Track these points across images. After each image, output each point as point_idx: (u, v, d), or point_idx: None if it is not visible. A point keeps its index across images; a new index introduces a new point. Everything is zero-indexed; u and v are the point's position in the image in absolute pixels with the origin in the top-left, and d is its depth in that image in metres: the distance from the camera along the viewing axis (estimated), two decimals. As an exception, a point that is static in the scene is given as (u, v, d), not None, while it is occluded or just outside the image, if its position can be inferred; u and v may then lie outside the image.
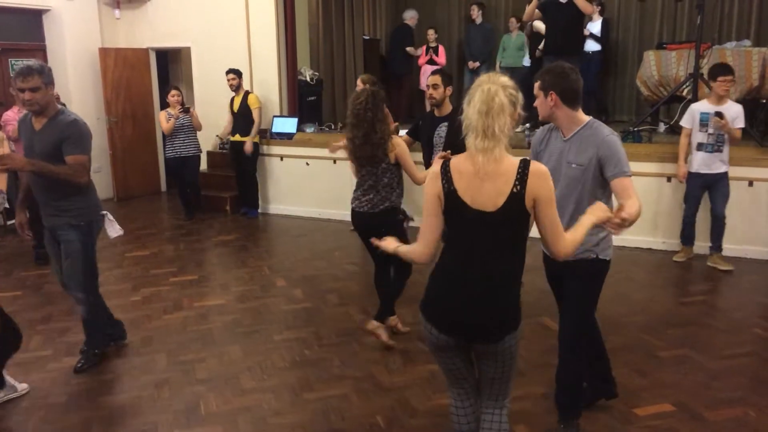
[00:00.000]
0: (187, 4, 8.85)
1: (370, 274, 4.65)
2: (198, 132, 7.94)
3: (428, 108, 5.15)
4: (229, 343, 4.43)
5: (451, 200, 2.26)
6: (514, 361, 2.42)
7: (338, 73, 10.20)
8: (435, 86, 4.68)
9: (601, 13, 8.89)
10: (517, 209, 2.20)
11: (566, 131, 2.93)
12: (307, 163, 7.98)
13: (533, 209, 2.22)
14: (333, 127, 9.09)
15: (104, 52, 8.90)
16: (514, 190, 2.18)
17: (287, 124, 8.29)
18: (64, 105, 6.56)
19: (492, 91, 2.17)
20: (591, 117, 2.94)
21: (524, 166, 2.20)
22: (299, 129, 8.27)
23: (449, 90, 4.73)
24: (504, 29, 10.69)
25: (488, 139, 2.16)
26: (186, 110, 7.70)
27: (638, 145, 6.90)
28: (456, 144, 4.18)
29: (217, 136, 8.60)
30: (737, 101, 6.10)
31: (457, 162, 2.27)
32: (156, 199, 9.33)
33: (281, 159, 8.18)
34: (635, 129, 7.22)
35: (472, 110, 2.19)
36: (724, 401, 3.57)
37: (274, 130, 8.32)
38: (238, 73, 7.84)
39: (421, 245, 2.42)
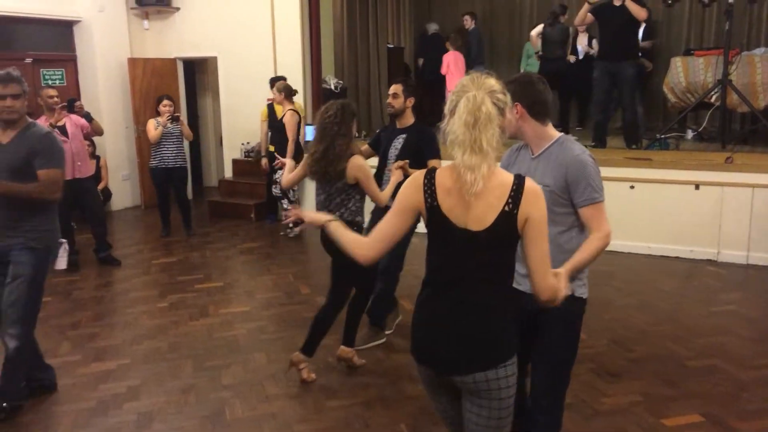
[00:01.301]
0: (214, 14, 8.98)
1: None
2: (188, 141, 7.72)
3: None
4: (253, 350, 4.46)
5: (434, 216, 2.03)
6: (504, 412, 2.10)
7: (362, 81, 10.26)
8: (395, 95, 4.36)
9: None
10: (507, 230, 1.98)
11: (535, 148, 2.59)
12: None
13: (522, 233, 2.00)
14: (357, 134, 9.12)
15: (133, 62, 9.07)
16: (506, 208, 1.97)
17: (309, 132, 8.34)
18: (88, 113, 6.71)
19: (478, 99, 1.94)
20: (562, 133, 2.61)
21: (519, 182, 1.99)
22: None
23: (410, 101, 4.40)
24: (527, 36, 10.65)
25: (476, 155, 1.93)
26: (175, 119, 7.34)
27: (665, 152, 6.85)
28: (410, 159, 4.00)
29: (250, 152, 8.61)
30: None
31: (442, 174, 2.04)
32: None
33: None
34: (662, 136, 7.16)
35: (457, 122, 1.96)
36: (755, 412, 3.51)
37: (309, 137, 8.37)
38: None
39: (367, 239, 2.18)
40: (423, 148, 4.29)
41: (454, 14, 12.15)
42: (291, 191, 7.62)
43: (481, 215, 1.98)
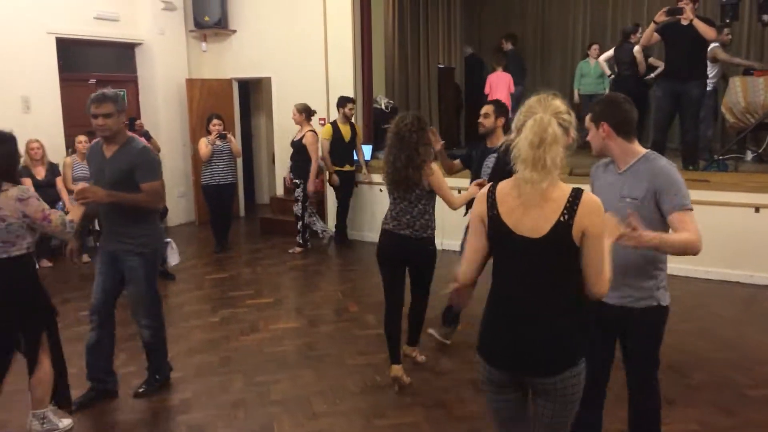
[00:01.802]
0: (269, 36, 9.18)
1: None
2: (240, 160, 7.91)
3: None
4: (302, 367, 4.50)
5: (495, 224, 2.19)
6: (571, 408, 2.25)
7: (413, 101, 10.32)
8: (486, 115, 4.55)
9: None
10: (563, 239, 2.09)
11: (621, 164, 2.75)
12: (381, 190, 8.05)
13: (581, 244, 2.11)
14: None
15: (191, 82, 9.35)
16: (562, 218, 2.09)
17: (366, 151, 8.41)
18: (147, 131, 6.95)
19: (545, 121, 2.08)
20: (649, 149, 2.77)
21: (576, 195, 2.11)
22: (373, 156, 8.39)
23: (501, 121, 4.58)
24: (582, 55, 10.60)
25: (538, 172, 2.06)
26: (223, 136, 7.59)
27: (724, 174, 6.66)
28: (502, 176, 4.12)
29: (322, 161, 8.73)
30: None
31: (503, 186, 2.22)
32: (234, 223, 9.59)
33: (356, 186, 8.29)
34: (721, 157, 6.97)
35: (523, 141, 2.10)
36: (821, 446, 3.36)
37: (367, 157, 8.46)
38: (354, 102, 7.78)
39: (463, 264, 2.36)
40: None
41: (506, 32, 12.17)
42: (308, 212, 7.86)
43: (538, 224, 2.11)
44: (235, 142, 7.83)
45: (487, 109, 4.60)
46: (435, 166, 4.00)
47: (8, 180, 3.30)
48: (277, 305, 5.86)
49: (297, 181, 7.73)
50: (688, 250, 2.57)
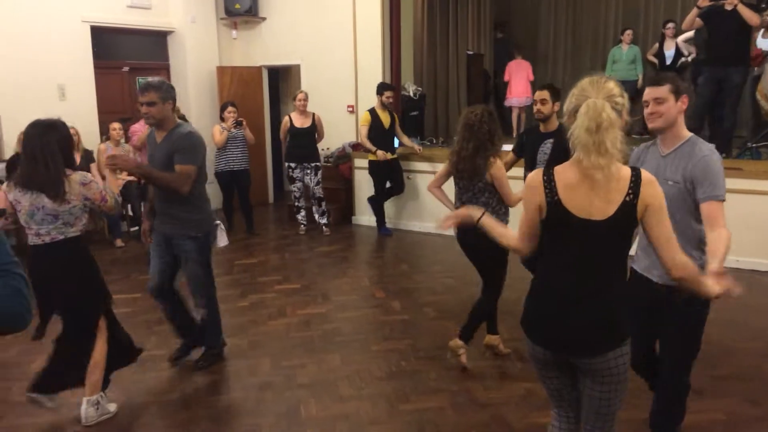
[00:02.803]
0: (298, 23, 9.23)
1: (468, 289, 4.66)
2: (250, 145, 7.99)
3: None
4: (329, 351, 4.57)
5: (555, 211, 2.20)
6: (620, 389, 2.29)
7: (441, 88, 10.29)
8: (543, 101, 4.51)
9: None
10: (627, 218, 2.14)
11: (668, 145, 2.81)
12: (408, 177, 8.08)
13: (643, 220, 2.15)
14: (434, 141, 9.18)
15: (221, 70, 9.45)
16: (627, 198, 2.12)
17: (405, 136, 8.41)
18: (183, 115, 7.07)
19: (599, 106, 2.08)
20: (692, 134, 2.81)
21: (637, 174, 2.15)
22: (401, 144, 8.40)
23: (557, 106, 4.55)
24: (614, 42, 10.46)
25: (602, 156, 2.08)
26: (239, 123, 7.71)
27: (757, 162, 6.54)
28: (561, 161, 4.13)
29: (330, 157, 8.78)
30: None
31: (562, 171, 2.22)
32: (264, 210, 9.73)
33: (407, 176, 8.28)
34: (754, 145, 6.84)
35: (579, 128, 2.11)
36: None
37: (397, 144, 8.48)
38: (396, 91, 7.76)
39: (516, 233, 2.40)
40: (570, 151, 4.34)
41: (535, 20, 12.07)
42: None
43: (603, 206, 2.13)
44: (249, 130, 7.92)
45: (543, 94, 4.54)
46: (499, 161, 4.01)
47: (68, 164, 3.46)
48: (305, 291, 5.94)
49: (315, 164, 7.82)
50: (729, 249, 2.57)
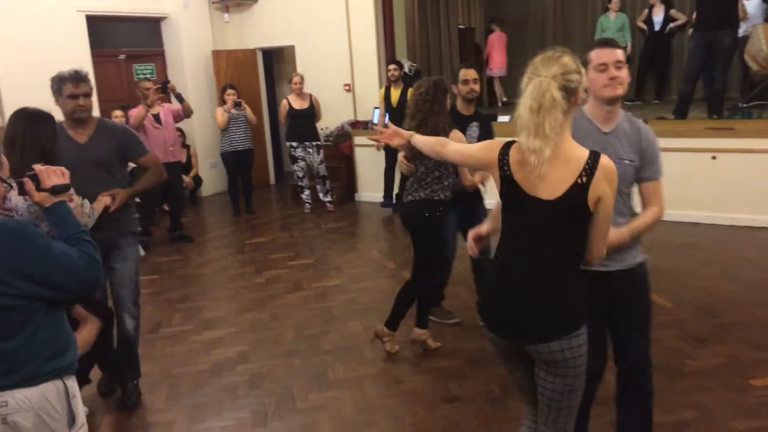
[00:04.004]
0: (291, 5, 9.31)
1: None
2: (252, 125, 8.09)
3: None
4: (348, 319, 4.77)
5: (508, 184, 2.13)
6: (574, 383, 2.17)
7: (434, 63, 10.42)
8: (476, 80, 4.28)
9: None
10: (578, 202, 2.04)
11: (611, 120, 2.52)
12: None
13: (594, 210, 2.07)
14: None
15: (217, 54, 9.54)
16: (579, 181, 2.03)
17: (375, 115, 8.51)
18: (180, 94, 7.14)
19: (543, 85, 1.99)
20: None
21: (594, 158, 2.05)
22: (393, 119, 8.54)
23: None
24: (602, 10, 10.60)
25: (539, 139, 1.99)
26: (238, 104, 7.81)
27: (748, 121, 6.76)
28: None
29: (329, 136, 8.89)
30: None
31: (515, 149, 2.13)
32: (266, 191, 9.89)
33: (378, 149, 8.43)
34: (744, 105, 7.05)
35: (522, 107, 2.03)
36: None
37: (375, 121, 8.62)
38: (400, 65, 7.74)
39: (450, 145, 2.44)
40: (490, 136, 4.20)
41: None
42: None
43: (552, 186, 2.05)
44: (249, 110, 8.03)
45: (474, 73, 4.31)
46: (457, 135, 3.78)
47: (49, 161, 3.11)
48: (317, 265, 6.13)
49: (317, 143, 8.00)
50: (653, 227, 2.54)
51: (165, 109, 6.90)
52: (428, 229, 3.97)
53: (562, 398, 2.18)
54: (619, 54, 2.47)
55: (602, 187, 2.04)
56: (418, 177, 3.92)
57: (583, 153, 2.07)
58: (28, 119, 2.99)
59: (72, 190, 3.10)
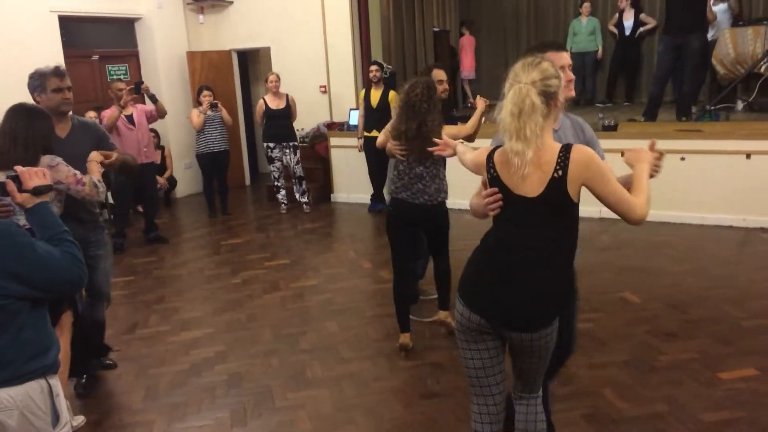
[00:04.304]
0: (266, 5, 9.30)
1: (451, 253, 4.79)
2: (228, 126, 8.09)
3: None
4: (325, 319, 4.79)
5: (495, 185, 2.26)
6: (547, 360, 2.39)
7: (409, 65, 10.46)
8: (447, 81, 4.56)
9: None
10: (558, 195, 2.14)
11: (556, 121, 2.59)
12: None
13: (590, 192, 2.17)
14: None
15: (191, 55, 9.49)
16: (555, 175, 2.13)
17: (353, 117, 8.54)
18: (153, 95, 7.12)
19: (523, 91, 2.12)
20: None
21: (566, 151, 2.14)
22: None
23: None
24: (574, 14, 10.76)
25: (521, 142, 2.11)
26: (214, 105, 7.82)
27: (715, 124, 6.93)
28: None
29: (305, 137, 8.88)
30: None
31: (499, 153, 2.26)
32: (242, 192, 9.85)
33: (359, 150, 8.47)
34: (712, 107, 7.22)
35: (504, 111, 2.15)
36: (809, 366, 3.67)
37: (351, 122, 8.66)
38: (381, 66, 7.73)
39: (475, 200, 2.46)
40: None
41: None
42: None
43: (534, 184, 2.16)
44: (225, 111, 8.03)
45: (445, 75, 4.55)
46: (450, 130, 4.02)
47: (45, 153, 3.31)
48: (294, 266, 6.13)
49: (294, 144, 8.01)
50: None
51: (138, 110, 6.86)
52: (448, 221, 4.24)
53: (538, 371, 2.42)
54: (568, 57, 2.62)
55: (581, 174, 2.13)
56: (413, 177, 4.01)
57: (557, 148, 2.17)
58: (29, 114, 3.05)
59: (79, 173, 3.22)
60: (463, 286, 2.37)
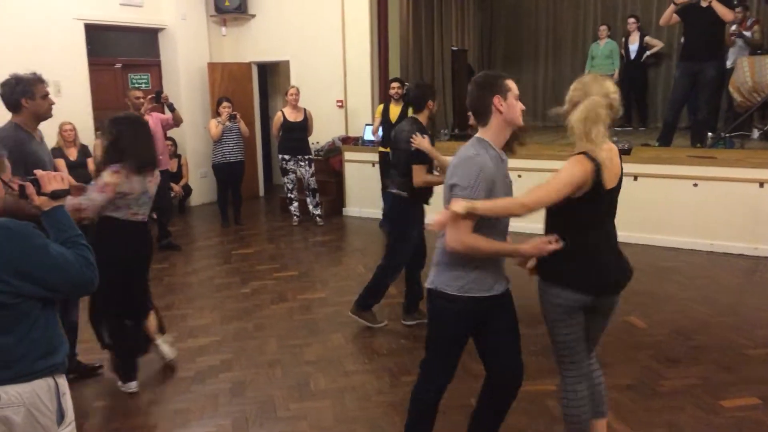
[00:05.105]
0: (288, 20, 9.45)
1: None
2: (245, 137, 8.25)
3: None
4: (331, 331, 4.84)
5: (598, 189, 2.61)
6: None
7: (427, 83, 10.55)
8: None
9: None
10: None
11: (501, 147, 2.71)
12: (373, 165, 8.29)
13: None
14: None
15: (212, 66, 9.64)
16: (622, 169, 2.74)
17: (367, 132, 8.65)
18: (172, 104, 7.25)
19: (596, 103, 2.55)
20: None
21: (618, 149, 2.76)
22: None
23: None
24: (593, 38, 10.80)
25: (590, 143, 2.55)
26: (233, 117, 7.95)
27: (730, 151, 6.92)
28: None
29: (320, 151, 8.97)
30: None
31: (592, 158, 2.60)
32: (255, 203, 9.96)
33: (373, 165, 8.53)
34: (727, 134, 7.22)
35: (575, 118, 2.58)
36: (812, 398, 3.65)
37: (365, 137, 8.75)
38: (402, 83, 7.86)
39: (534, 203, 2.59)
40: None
41: (518, 14, 12.38)
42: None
43: (613, 177, 2.64)
44: (243, 123, 8.16)
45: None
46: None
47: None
48: (303, 277, 6.19)
49: (309, 157, 8.11)
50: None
51: (153, 118, 6.97)
52: None
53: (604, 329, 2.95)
54: None
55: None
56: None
57: (615, 148, 2.74)
58: (135, 125, 3.87)
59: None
60: (583, 277, 2.68)
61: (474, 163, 2.56)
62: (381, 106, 7.98)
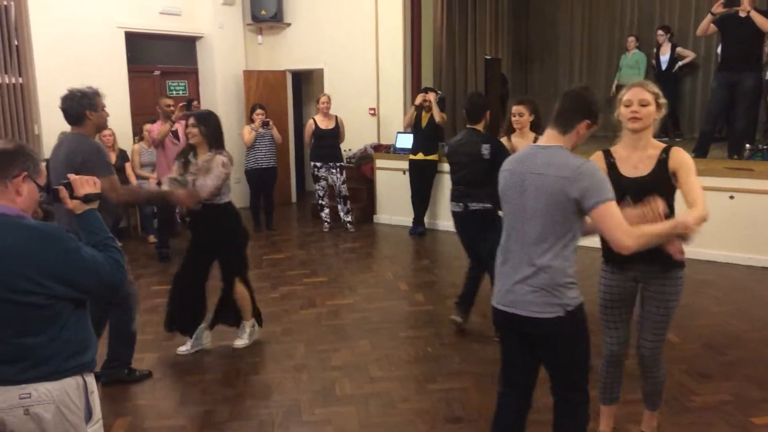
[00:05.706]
0: (322, 29, 9.56)
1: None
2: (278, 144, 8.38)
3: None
4: (359, 338, 4.86)
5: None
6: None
7: (459, 92, 10.54)
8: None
9: None
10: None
11: None
12: (404, 173, 8.30)
13: None
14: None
15: (248, 74, 9.80)
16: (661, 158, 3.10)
17: (400, 140, 8.70)
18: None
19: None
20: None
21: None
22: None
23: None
24: (625, 47, 10.71)
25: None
26: (266, 123, 8.06)
27: (767, 163, 6.76)
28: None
29: (352, 158, 9.04)
30: None
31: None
32: (288, 209, 10.07)
33: (404, 173, 8.55)
34: (765, 147, 7.07)
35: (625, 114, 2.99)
36: None
37: (397, 145, 8.78)
38: (435, 92, 7.99)
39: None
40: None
41: (553, 24, 12.32)
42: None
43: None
44: (276, 130, 8.28)
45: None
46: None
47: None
48: (332, 283, 6.24)
49: (340, 164, 8.19)
50: None
51: (182, 126, 7.10)
52: None
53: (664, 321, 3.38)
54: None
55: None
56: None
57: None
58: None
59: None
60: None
61: (594, 168, 2.55)
62: (413, 109, 8.07)
